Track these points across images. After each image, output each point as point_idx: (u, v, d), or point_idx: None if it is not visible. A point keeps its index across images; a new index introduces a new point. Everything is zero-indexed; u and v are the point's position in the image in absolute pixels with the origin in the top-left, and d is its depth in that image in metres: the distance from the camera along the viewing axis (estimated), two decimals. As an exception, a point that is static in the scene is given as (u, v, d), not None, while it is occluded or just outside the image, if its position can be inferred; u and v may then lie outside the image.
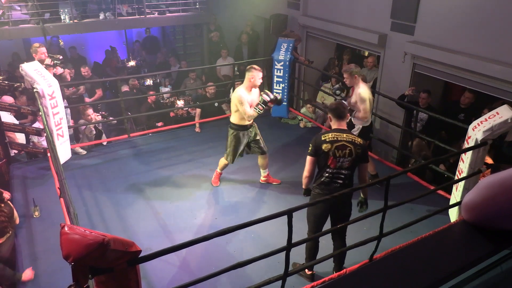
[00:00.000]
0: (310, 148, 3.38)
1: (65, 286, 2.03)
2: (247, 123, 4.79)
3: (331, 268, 3.64)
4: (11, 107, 5.85)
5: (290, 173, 5.54)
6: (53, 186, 4.82)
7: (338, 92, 4.99)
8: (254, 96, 4.74)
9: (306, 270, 3.68)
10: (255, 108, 4.66)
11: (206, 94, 7.22)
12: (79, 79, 7.46)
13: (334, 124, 3.42)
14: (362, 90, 4.60)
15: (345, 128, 3.41)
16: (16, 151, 6.10)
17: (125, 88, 7.65)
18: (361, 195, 3.59)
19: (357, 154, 3.28)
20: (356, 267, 3.19)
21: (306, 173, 3.44)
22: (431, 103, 5.74)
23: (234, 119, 4.79)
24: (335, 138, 3.29)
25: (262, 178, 5.29)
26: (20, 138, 6.16)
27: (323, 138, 3.32)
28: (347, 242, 3.50)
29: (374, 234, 3.21)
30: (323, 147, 3.30)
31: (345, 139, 3.29)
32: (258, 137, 4.98)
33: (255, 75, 4.60)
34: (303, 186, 3.55)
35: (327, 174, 3.35)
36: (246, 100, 4.63)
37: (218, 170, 5.21)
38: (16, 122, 5.98)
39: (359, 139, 3.33)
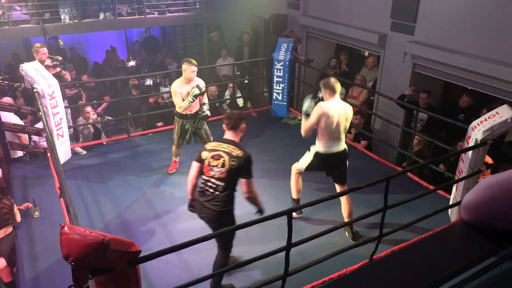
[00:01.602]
0: (198, 154, 3.45)
1: (65, 286, 2.03)
2: (187, 112, 5.01)
3: (331, 268, 3.63)
4: (11, 107, 5.85)
5: (289, 173, 5.53)
6: (53, 186, 4.82)
7: (309, 111, 4.22)
8: (190, 88, 4.95)
9: None
10: (186, 99, 4.86)
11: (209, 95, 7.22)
12: (79, 80, 7.48)
13: (225, 133, 3.44)
14: (318, 106, 4.09)
15: (234, 139, 3.38)
16: (23, 152, 6.09)
17: (134, 92, 7.65)
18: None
19: (231, 166, 3.23)
20: (356, 267, 3.19)
21: (189, 177, 3.49)
22: (431, 103, 5.74)
23: (176, 108, 5.06)
24: (214, 147, 3.33)
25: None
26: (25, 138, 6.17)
27: (205, 146, 3.42)
28: (347, 241, 3.50)
29: (374, 234, 3.21)
30: (202, 155, 3.35)
31: (223, 149, 3.29)
32: (201, 129, 5.23)
33: (186, 68, 4.92)
34: (188, 195, 3.55)
35: (202, 181, 3.38)
36: (177, 91, 4.90)
37: (173, 157, 5.49)
38: (21, 123, 5.97)
39: (239, 152, 3.26)
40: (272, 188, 5.22)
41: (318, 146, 4.15)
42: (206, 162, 3.31)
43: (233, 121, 3.39)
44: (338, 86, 4.06)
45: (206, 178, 3.33)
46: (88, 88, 7.71)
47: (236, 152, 3.26)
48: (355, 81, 6.77)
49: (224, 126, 3.43)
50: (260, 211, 3.56)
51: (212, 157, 3.29)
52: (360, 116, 6.30)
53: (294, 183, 4.42)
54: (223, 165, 3.25)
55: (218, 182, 3.27)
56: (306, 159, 4.29)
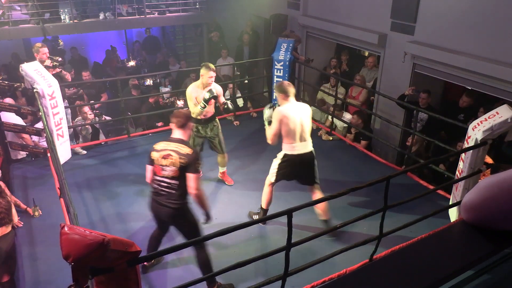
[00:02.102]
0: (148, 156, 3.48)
1: (65, 286, 2.03)
2: (201, 117, 4.83)
3: (331, 268, 3.63)
4: (11, 107, 5.85)
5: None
6: (53, 186, 4.82)
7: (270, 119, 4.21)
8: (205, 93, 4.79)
9: None
10: (199, 105, 4.70)
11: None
12: (79, 80, 7.47)
13: (173, 132, 3.49)
14: (276, 111, 4.07)
15: (182, 137, 3.44)
16: (26, 153, 6.09)
17: (134, 92, 7.66)
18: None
19: (181, 164, 3.28)
20: (356, 267, 3.19)
21: (147, 180, 3.52)
22: (431, 103, 5.74)
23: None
24: (164, 147, 3.37)
25: (219, 175, 5.36)
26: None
27: (154, 147, 3.43)
28: (347, 241, 3.49)
29: (374, 234, 3.21)
30: (152, 156, 3.39)
31: (171, 148, 3.34)
32: (215, 138, 5.01)
33: (204, 73, 4.69)
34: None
35: (156, 182, 3.40)
36: (192, 96, 4.73)
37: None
38: (23, 123, 5.97)
39: (188, 150, 3.31)
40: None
41: (285, 150, 4.13)
42: (157, 163, 3.35)
43: (182, 120, 3.46)
44: (291, 89, 4.06)
45: (159, 178, 3.37)
46: (87, 86, 7.70)
47: (185, 150, 3.32)
48: (354, 81, 6.77)
49: (172, 125, 3.48)
50: (207, 216, 3.54)
51: (162, 157, 3.33)
52: (357, 116, 6.30)
53: (266, 194, 4.40)
54: (173, 164, 3.30)
55: (172, 181, 3.33)
56: (273, 168, 4.26)
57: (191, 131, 3.57)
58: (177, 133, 3.46)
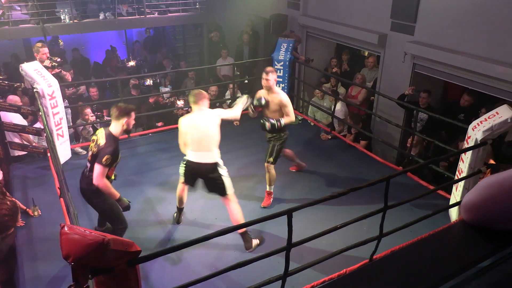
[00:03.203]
0: None
1: (65, 286, 2.03)
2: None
3: (331, 268, 3.63)
4: (11, 107, 5.85)
5: (290, 173, 5.54)
6: (53, 186, 4.82)
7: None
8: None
9: None
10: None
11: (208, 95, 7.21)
12: (80, 80, 7.48)
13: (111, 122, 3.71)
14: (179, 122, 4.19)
15: (111, 129, 3.63)
16: (25, 152, 6.08)
17: (134, 92, 7.66)
18: None
19: (93, 152, 3.60)
20: (356, 267, 3.19)
21: None
22: (431, 103, 5.74)
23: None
24: (96, 132, 3.70)
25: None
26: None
27: (98, 130, 3.75)
28: (347, 241, 3.49)
29: (374, 234, 3.20)
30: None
31: (98, 136, 3.64)
32: (270, 143, 4.84)
33: (262, 76, 4.64)
34: None
35: None
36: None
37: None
38: (25, 123, 5.98)
39: (103, 141, 3.54)
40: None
41: (187, 154, 4.14)
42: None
43: (118, 112, 3.60)
44: (192, 98, 4.02)
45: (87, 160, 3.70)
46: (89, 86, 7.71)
47: (101, 140, 3.54)
48: (355, 80, 6.78)
49: (111, 114, 3.65)
50: (122, 206, 3.79)
51: (92, 140, 3.68)
52: (351, 118, 6.32)
53: (178, 192, 4.38)
54: (91, 149, 3.62)
55: (88, 164, 3.65)
56: (180, 169, 4.27)
57: (128, 127, 3.68)
58: (111, 124, 3.65)
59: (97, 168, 3.49)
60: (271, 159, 4.74)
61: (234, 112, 4.40)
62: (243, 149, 6.20)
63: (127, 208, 3.81)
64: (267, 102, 4.65)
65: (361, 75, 6.93)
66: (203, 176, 4.15)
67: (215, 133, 3.99)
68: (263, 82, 4.61)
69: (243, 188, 5.19)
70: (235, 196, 4.22)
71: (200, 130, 3.96)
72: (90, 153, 3.64)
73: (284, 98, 4.61)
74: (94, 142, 3.62)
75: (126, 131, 3.70)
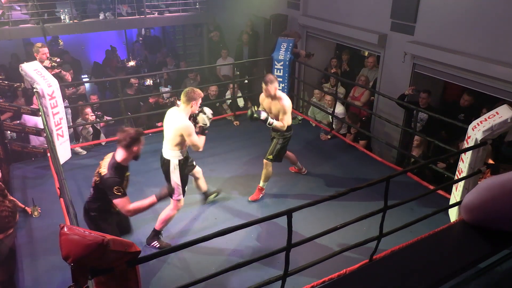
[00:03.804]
0: None
1: (65, 286, 2.03)
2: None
3: (331, 268, 3.63)
4: (11, 107, 5.86)
5: (290, 173, 5.54)
6: (53, 186, 4.81)
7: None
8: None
9: None
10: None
11: (208, 95, 7.21)
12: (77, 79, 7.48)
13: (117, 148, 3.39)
14: None
15: (117, 157, 3.28)
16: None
17: (129, 91, 7.66)
18: None
19: (95, 181, 3.30)
20: (356, 267, 3.19)
21: None
22: (431, 103, 5.74)
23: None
24: (105, 157, 3.39)
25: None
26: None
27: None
28: (347, 241, 3.49)
29: (374, 234, 3.20)
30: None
31: (103, 162, 3.33)
32: (272, 140, 4.94)
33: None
34: None
35: None
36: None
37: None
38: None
39: (104, 170, 3.23)
40: (271, 188, 5.21)
41: None
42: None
43: (127, 140, 3.25)
44: (182, 97, 4.02)
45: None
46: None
47: (102, 170, 3.24)
48: (358, 82, 6.77)
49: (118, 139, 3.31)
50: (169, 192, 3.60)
51: (99, 165, 3.35)
52: (348, 118, 6.34)
53: None
54: (95, 175, 3.31)
55: (91, 189, 3.38)
56: None
57: (136, 154, 3.36)
58: (117, 151, 3.32)
59: (118, 202, 3.22)
60: (270, 156, 4.82)
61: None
62: (243, 149, 6.20)
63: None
64: (269, 107, 4.74)
65: (364, 76, 6.92)
66: (161, 167, 4.30)
67: (173, 135, 4.00)
68: (264, 93, 4.69)
69: (242, 187, 5.19)
70: (180, 205, 4.20)
71: (167, 126, 4.08)
72: (93, 178, 3.33)
73: (286, 105, 4.61)
74: (97, 170, 3.32)
75: (135, 157, 3.39)
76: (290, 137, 4.87)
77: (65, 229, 1.91)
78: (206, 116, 4.21)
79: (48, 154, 5.42)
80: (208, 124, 4.22)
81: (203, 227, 4.45)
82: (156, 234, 4.19)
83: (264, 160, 4.84)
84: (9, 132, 5.90)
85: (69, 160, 5.63)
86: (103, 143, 6.43)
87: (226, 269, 2.73)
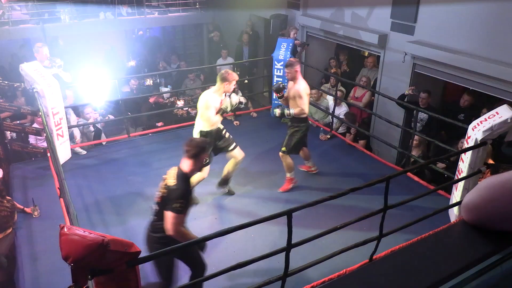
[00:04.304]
0: None
1: (65, 286, 2.03)
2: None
3: (330, 268, 3.63)
4: (11, 107, 5.86)
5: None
6: (53, 186, 4.81)
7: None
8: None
9: None
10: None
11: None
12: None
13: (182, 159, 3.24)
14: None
15: (184, 168, 3.15)
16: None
17: (125, 89, 7.66)
18: None
19: (162, 194, 3.08)
20: (356, 267, 3.18)
21: None
22: (431, 103, 5.74)
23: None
24: (169, 171, 3.19)
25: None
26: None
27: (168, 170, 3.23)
28: (347, 241, 3.49)
29: (374, 234, 3.20)
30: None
31: (168, 175, 3.15)
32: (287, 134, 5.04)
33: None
34: None
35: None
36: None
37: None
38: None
39: (173, 182, 3.07)
40: (271, 188, 5.22)
41: None
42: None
43: (193, 149, 3.15)
44: (217, 78, 4.44)
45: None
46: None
47: (171, 181, 3.08)
48: (360, 83, 6.77)
49: (183, 151, 3.21)
50: (201, 248, 3.35)
51: (163, 178, 3.19)
52: (346, 117, 6.34)
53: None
54: (160, 191, 3.12)
55: (156, 207, 3.14)
56: None
57: (202, 164, 3.28)
58: (183, 162, 3.19)
59: (170, 216, 2.98)
60: (283, 149, 4.92)
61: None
62: (243, 149, 6.18)
63: (204, 248, 3.37)
64: (288, 92, 4.85)
65: (366, 77, 6.91)
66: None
67: (199, 108, 4.47)
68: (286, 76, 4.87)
69: (242, 187, 5.19)
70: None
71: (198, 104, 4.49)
72: (158, 193, 3.15)
73: (299, 89, 4.69)
74: (163, 182, 3.16)
75: (200, 168, 3.30)
76: (306, 129, 4.92)
77: (65, 229, 1.91)
78: (230, 101, 4.51)
79: (48, 154, 5.42)
80: (228, 108, 4.52)
81: (203, 227, 4.45)
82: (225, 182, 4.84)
83: (280, 153, 4.94)
84: (9, 132, 5.91)
85: (69, 160, 5.63)
86: (104, 143, 6.44)
87: (226, 269, 2.73)
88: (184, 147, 3.18)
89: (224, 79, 4.31)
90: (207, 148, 3.28)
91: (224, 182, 4.96)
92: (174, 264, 3.25)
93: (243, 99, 4.75)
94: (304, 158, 5.35)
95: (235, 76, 4.42)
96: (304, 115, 4.81)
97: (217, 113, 4.44)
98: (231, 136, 4.79)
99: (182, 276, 3.53)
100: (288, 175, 5.06)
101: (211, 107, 4.35)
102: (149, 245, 3.15)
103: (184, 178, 3.11)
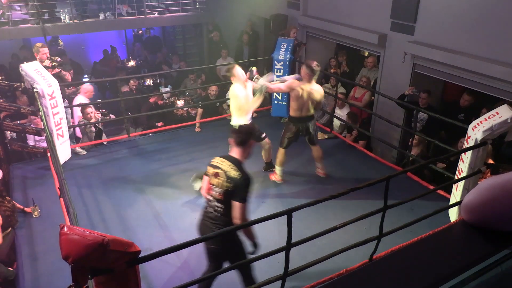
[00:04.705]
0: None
1: (65, 286, 2.03)
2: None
3: (330, 268, 3.63)
4: (11, 107, 5.86)
5: (290, 173, 5.53)
6: (53, 186, 4.82)
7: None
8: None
9: None
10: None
11: (208, 95, 7.21)
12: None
13: (231, 149, 3.18)
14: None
15: (238, 156, 3.09)
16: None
17: (125, 89, 7.66)
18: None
19: (227, 188, 2.98)
20: (356, 267, 3.19)
21: (202, 191, 3.35)
22: (431, 103, 5.74)
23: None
24: (217, 164, 3.08)
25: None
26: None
27: (212, 161, 3.15)
28: (347, 241, 3.49)
29: (374, 234, 3.20)
30: (208, 170, 3.14)
31: (223, 167, 3.04)
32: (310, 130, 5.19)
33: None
34: None
35: (207, 199, 3.16)
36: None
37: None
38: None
39: (236, 173, 2.98)
40: (272, 187, 5.22)
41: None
42: (209, 179, 3.11)
43: (242, 136, 3.11)
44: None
45: (209, 197, 3.11)
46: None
47: (234, 173, 2.99)
48: (359, 83, 6.77)
49: (231, 141, 3.18)
50: (255, 245, 3.24)
51: (214, 174, 3.07)
52: (348, 117, 6.33)
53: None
54: (221, 186, 3.01)
55: (218, 204, 3.05)
56: None
57: (251, 150, 3.22)
58: (234, 151, 3.12)
59: (241, 206, 2.95)
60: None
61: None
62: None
63: (257, 247, 3.23)
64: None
65: (365, 77, 6.91)
66: None
67: (230, 102, 4.94)
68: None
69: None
70: None
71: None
72: (218, 189, 3.03)
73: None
74: (220, 177, 3.02)
75: (249, 155, 3.21)
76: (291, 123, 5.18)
77: (65, 229, 1.91)
78: (256, 77, 4.96)
79: (48, 154, 5.42)
80: (263, 88, 4.84)
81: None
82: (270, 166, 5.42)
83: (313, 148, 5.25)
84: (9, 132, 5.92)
85: (69, 160, 5.63)
86: (105, 143, 6.44)
87: (226, 269, 2.73)
88: (232, 135, 3.16)
89: (251, 135, 4.43)
90: (254, 134, 3.26)
91: (269, 166, 5.53)
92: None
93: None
94: (317, 160, 5.43)
95: (239, 68, 4.81)
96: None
97: (254, 94, 4.86)
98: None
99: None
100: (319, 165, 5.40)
101: (237, 96, 4.75)
102: (223, 243, 3.08)
103: (242, 166, 3.08)
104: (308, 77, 4.85)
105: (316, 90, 4.90)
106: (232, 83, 4.86)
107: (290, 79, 4.97)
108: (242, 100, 4.75)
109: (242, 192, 2.97)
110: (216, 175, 3.04)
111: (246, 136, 3.13)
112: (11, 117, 6.55)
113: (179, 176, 5.43)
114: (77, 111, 6.47)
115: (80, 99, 6.50)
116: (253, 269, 3.26)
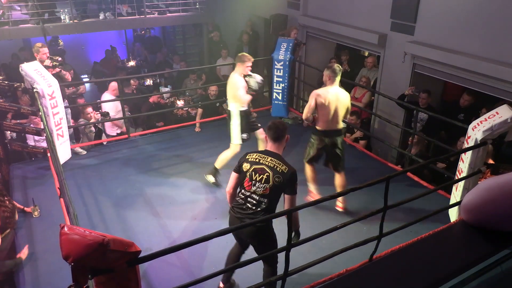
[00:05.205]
0: (237, 164, 3.23)
1: (65, 286, 2.03)
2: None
3: (331, 268, 3.63)
4: (11, 107, 5.86)
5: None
6: (53, 186, 4.82)
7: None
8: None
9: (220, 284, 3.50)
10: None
11: (208, 95, 7.21)
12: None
13: (267, 144, 3.23)
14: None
15: (277, 151, 3.15)
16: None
17: (127, 90, 7.66)
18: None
19: (276, 183, 3.02)
20: (356, 267, 3.19)
21: (227, 188, 3.31)
22: (431, 103, 5.74)
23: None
24: (257, 160, 3.10)
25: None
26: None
27: (247, 157, 3.16)
28: (347, 241, 3.50)
29: (374, 234, 3.20)
30: (243, 166, 3.13)
31: (267, 163, 3.06)
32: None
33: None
34: (228, 203, 3.37)
35: (241, 195, 3.15)
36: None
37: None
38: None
39: (283, 167, 3.04)
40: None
41: None
42: (248, 176, 3.10)
43: (279, 131, 3.15)
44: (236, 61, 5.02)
45: (247, 193, 3.10)
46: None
47: (281, 167, 3.04)
48: (359, 83, 6.76)
49: (267, 136, 3.21)
50: (297, 234, 3.34)
51: (255, 170, 3.07)
52: (356, 117, 6.31)
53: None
54: (266, 181, 3.03)
55: (261, 199, 3.06)
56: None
57: (286, 144, 3.27)
58: (271, 146, 3.17)
59: (292, 199, 3.09)
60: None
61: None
62: (243, 149, 6.19)
63: (299, 236, 3.34)
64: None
65: (366, 77, 6.91)
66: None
67: (228, 88, 4.94)
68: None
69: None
70: (237, 150, 5.02)
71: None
72: (263, 185, 3.05)
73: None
74: (267, 172, 3.05)
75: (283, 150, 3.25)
76: (313, 140, 4.74)
77: (65, 229, 1.91)
78: (255, 80, 4.97)
79: (48, 154, 5.42)
80: (255, 87, 4.96)
81: (203, 227, 4.45)
82: (216, 170, 5.14)
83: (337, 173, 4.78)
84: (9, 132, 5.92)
85: (69, 160, 5.63)
86: (105, 143, 6.44)
87: (226, 269, 2.73)
88: (268, 132, 3.19)
89: (242, 61, 4.82)
90: (287, 127, 3.27)
91: None
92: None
93: (259, 77, 5.11)
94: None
95: (250, 57, 4.96)
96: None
97: (246, 92, 4.88)
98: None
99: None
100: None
101: (240, 88, 4.80)
102: (260, 237, 3.17)
103: (285, 160, 3.13)
104: (330, 79, 4.38)
105: (343, 95, 4.41)
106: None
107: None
108: (238, 91, 4.82)
109: (292, 185, 3.07)
110: (260, 171, 3.07)
111: (282, 132, 3.18)
112: (11, 117, 6.54)
113: (179, 176, 5.44)
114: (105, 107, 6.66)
115: (107, 96, 6.67)
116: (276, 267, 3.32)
